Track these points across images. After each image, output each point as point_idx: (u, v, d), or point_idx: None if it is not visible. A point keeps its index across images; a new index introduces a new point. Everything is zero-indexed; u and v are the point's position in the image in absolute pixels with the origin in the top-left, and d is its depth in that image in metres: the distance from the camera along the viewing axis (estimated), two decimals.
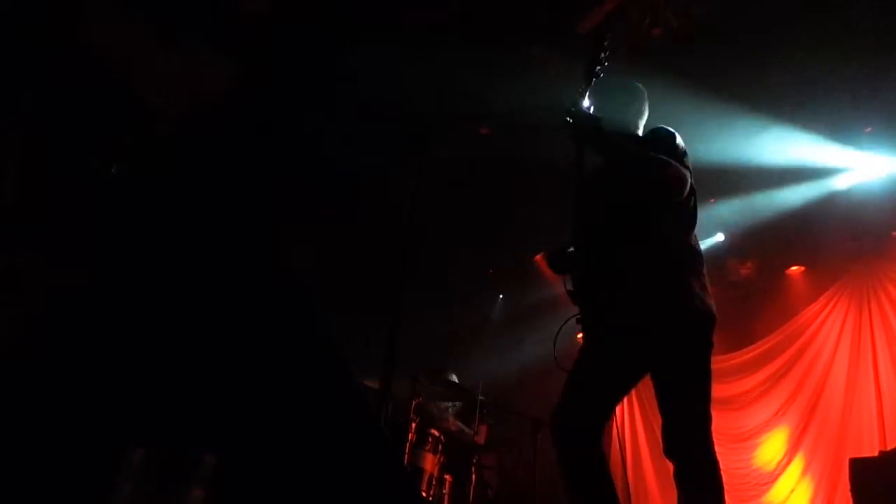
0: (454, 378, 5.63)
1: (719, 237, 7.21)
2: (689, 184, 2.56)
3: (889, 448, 5.23)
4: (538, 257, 8.07)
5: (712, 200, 6.54)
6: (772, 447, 7.15)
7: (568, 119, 2.56)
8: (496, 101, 5.50)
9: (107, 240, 1.91)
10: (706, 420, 2.37)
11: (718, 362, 7.24)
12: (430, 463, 4.78)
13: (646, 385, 2.55)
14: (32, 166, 2.10)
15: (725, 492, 2.30)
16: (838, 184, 6.35)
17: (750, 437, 7.34)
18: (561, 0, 4.80)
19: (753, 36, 4.90)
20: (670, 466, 2.36)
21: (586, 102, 2.64)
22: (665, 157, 2.52)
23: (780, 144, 5.89)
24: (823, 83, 5.23)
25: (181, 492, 1.59)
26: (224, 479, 1.62)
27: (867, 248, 6.87)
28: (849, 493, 4.66)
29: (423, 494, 4.69)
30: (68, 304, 1.74)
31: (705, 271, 2.59)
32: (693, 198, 2.65)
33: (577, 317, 2.61)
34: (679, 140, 2.67)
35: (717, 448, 2.35)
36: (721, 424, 7.35)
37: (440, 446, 4.90)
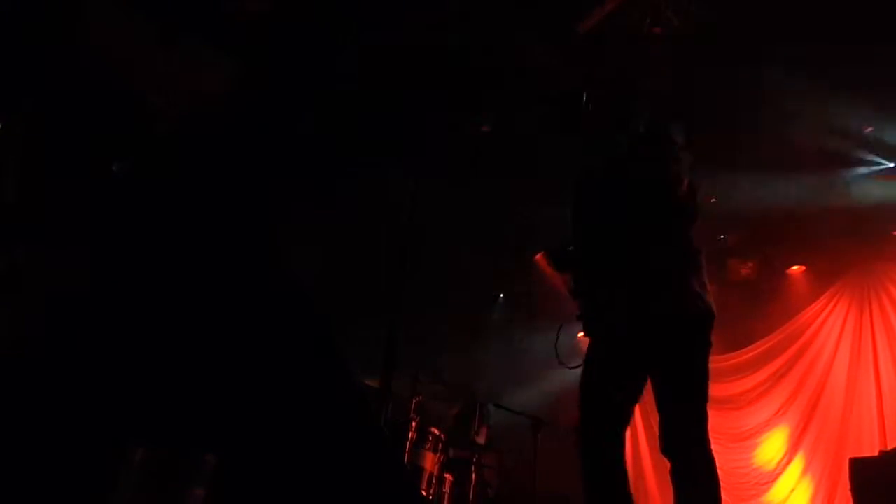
0: (454, 377, 5.63)
1: (720, 236, 7.21)
2: (687, 182, 2.56)
3: (889, 448, 5.24)
4: (538, 256, 8.07)
5: (713, 200, 6.54)
6: (772, 447, 7.15)
7: (569, 118, 2.56)
8: (496, 100, 5.51)
9: (107, 240, 1.91)
10: (703, 419, 2.37)
11: (719, 362, 7.24)
12: (430, 462, 4.78)
13: (646, 382, 2.55)
14: (32, 166, 2.10)
15: (726, 491, 2.31)
16: (839, 183, 6.35)
17: (750, 437, 7.34)
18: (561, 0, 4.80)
19: (753, 34, 4.90)
20: (668, 464, 2.37)
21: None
22: (664, 155, 2.53)
23: (781, 143, 5.89)
24: (824, 82, 5.22)
25: (182, 491, 1.59)
26: (224, 478, 1.62)
27: (868, 248, 6.87)
28: (849, 493, 4.67)
29: (423, 493, 4.69)
30: (68, 304, 1.74)
31: (704, 270, 2.59)
32: (693, 196, 2.65)
33: (578, 315, 2.62)
34: (678, 137, 2.67)
35: (716, 447, 2.35)
36: (721, 424, 7.37)
37: (440, 445, 4.90)
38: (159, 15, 3.39)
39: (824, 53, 4.89)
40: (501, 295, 8.93)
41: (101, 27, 2.90)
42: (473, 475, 5.26)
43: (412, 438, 4.75)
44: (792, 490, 6.80)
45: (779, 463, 7.02)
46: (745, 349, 7.63)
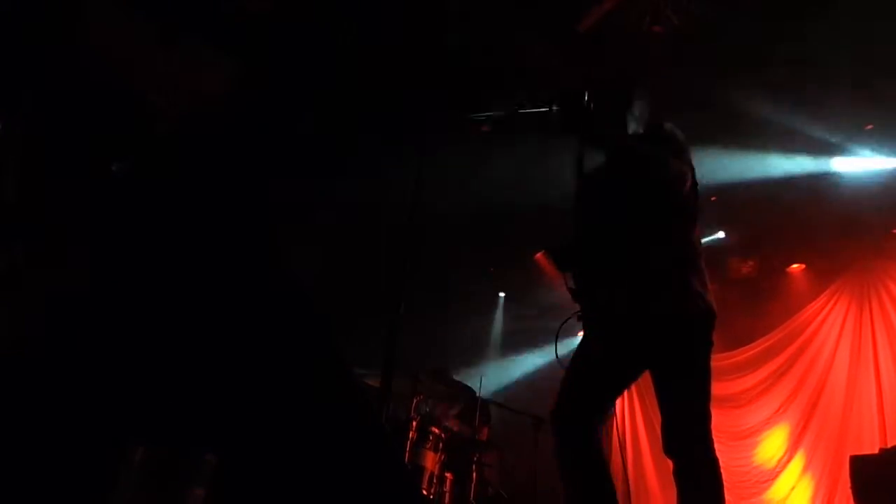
0: (455, 376, 5.64)
1: (720, 235, 7.22)
2: (689, 180, 2.56)
3: (889, 445, 5.24)
4: (539, 255, 8.07)
5: (714, 199, 6.54)
6: (772, 445, 7.16)
7: (569, 116, 2.56)
8: (497, 99, 5.50)
9: (107, 239, 1.91)
10: (706, 418, 2.37)
11: (719, 360, 7.25)
12: (430, 461, 4.79)
13: (647, 382, 2.55)
14: (32, 166, 2.11)
15: (726, 489, 2.30)
16: (838, 181, 6.35)
17: (751, 435, 7.35)
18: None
19: (753, 32, 4.90)
20: (671, 464, 2.36)
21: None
22: (665, 154, 2.53)
23: (781, 141, 5.89)
24: (823, 80, 5.22)
25: (182, 491, 1.59)
26: (224, 478, 1.63)
27: (867, 246, 6.88)
28: (849, 491, 4.68)
29: (424, 492, 4.69)
30: (68, 304, 1.74)
31: (705, 268, 2.59)
32: (694, 194, 2.64)
33: (579, 314, 2.62)
34: (679, 135, 2.67)
35: (717, 446, 2.35)
36: (722, 422, 7.38)
37: (441, 444, 4.91)
38: (159, 15, 3.39)
39: (824, 50, 4.90)
40: (502, 294, 8.94)
41: (102, 27, 2.90)
42: (474, 474, 5.27)
43: (413, 438, 4.76)
44: (792, 488, 6.81)
45: (779, 461, 7.03)
46: (746, 347, 7.64)
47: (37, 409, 1.60)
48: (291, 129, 5.10)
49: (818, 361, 7.04)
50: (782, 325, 7.47)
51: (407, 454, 4.67)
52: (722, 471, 2.32)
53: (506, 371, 8.03)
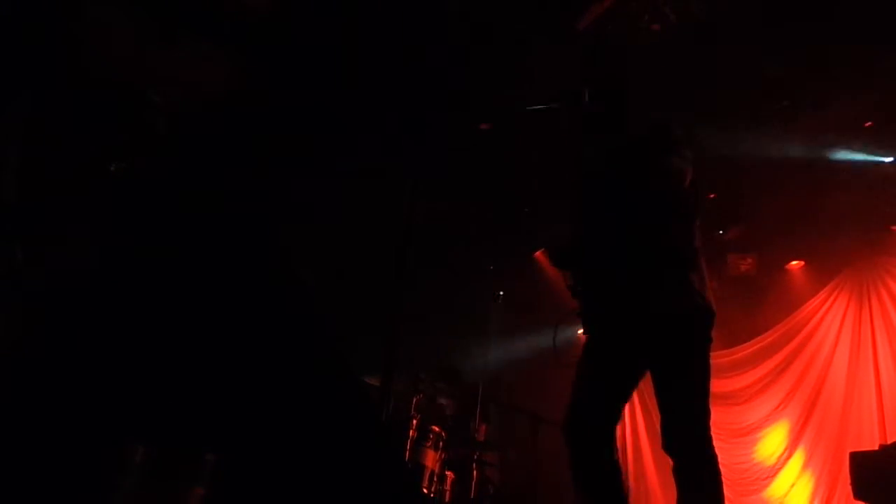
0: (455, 375, 5.64)
1: (719, 232, 7.22)
2: (689, 178, 2.56)
3: (889, 442, 5.24)
4: (539, 253, 8.08)
5: (713, 196, 6.54)
6: (772, 441, 7.16)
7: (568, 116, 2.57)
8: (496, 98, 5.50)
9: (107, 239, 1.91)
10: (705, 416, 2.37)
11: (719, 357, 7.26)
12: (431, 459, 4.79)
13: (646, 381, 2.55)
14: (32, 165, 2.11)
15: (726, 487, 2.31)
16: (838, 179, 6.35)
17: (751, 432, 7.35)
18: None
19: (751, 31, 4.90)
20: (671, 462, 2.37)
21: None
22: (666, 150, 2.53)
23: (780, 139, 5.89)
24: (822, 79, 5.22)
25: (182, 490, 1.59)
26: (224, 478, 1.63)
27: (867, 242, 6.88)
28: (849, 487, 4.68)
29: (425, 491, 4.70)
30: (68, 304, 1.74)
31: (705, 267, 2.59)
32: (694, 192, 2.65)
33: (578, 313, 2.63)
34: (679, 133, 2.67)
35: (717, 443, 2.35)
36: (722, 419, 7.38)
37: (441, 443, 4.91)
38: (160, 13, 3.38)
39: (823, 48, 4.90)
40: (501, 293, 8.93)
41: (102, 26, 2.89)
42: (475, 472, 5.27)
43: (413, 436, 4.76)
44: (792, 485, 6.82)
45: (779, 458, 7.03)
46: (745, 345, 7.64)
47: (37, 409, 1.60)
48: (292, 127, 5.10)
49: (818, 358, 7.05)
50: (782, 322, 7.48)
51: (407, 453, 4.67)
52: (722, 468, 2.32)
53: (506, 369, 8.02)
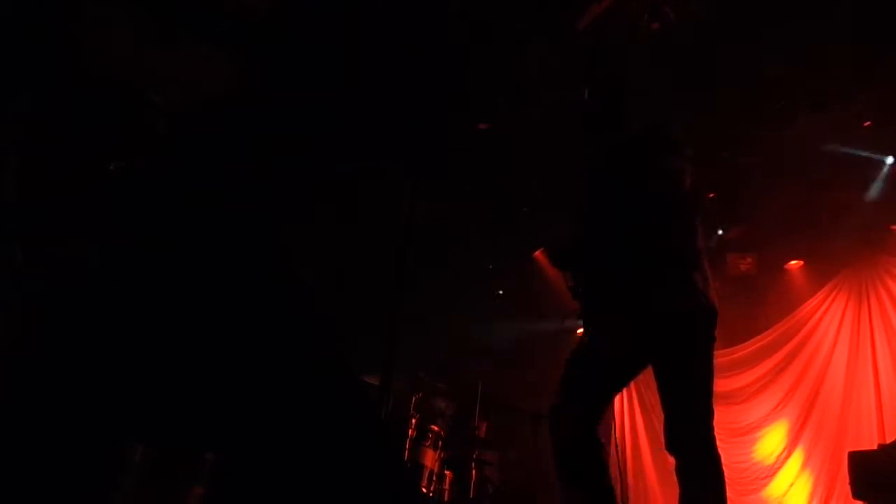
0: (454, 374, 5.64)
1: (719, 232, 7.23)
2: (689, 178, 2.57)
3: (888, 441, 5.24)
4: (538, 253, 8.08)
5: (712, 196, 6.55)
6: (771, 441, 7.17)
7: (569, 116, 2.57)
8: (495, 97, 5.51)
9: (107, 239, 1.91)
10: (709, 415, 2.37)
11: (718, 357, 7.18)
12: (430, 459, 4.79)
13: (646, 380, 2.56)
14: (32, 165, 2.11)
15: (726, 486, 2.31)
16: (837, 178, 6.35)
17: (750, 431, 7.36)
18: None
19: (751, 29, 4.90)
20: (671, 462, 2.37)
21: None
22: (666, 149, 2.53)
23: (779, 139, 5.89)
24: (821, 78, 5.23)
25: (181, 490, 1.60)
26: (224, 477, 1.63)
27: (866, 242, 6.88)
28: (848, 487, 4.68)
29: (424, 490, 4.70)
30: (68, 304, 1.74)
31: (707, 266, 2.59)
32: (694, 192, 2.65)
33: (578, 314, 2.63)
34: (678, 134, 2.67)
35: (717, 442, 2.35)
36: (721, 419, 7.31)
37: (440, 442, 4.91)
38: (160, 13, 3.38)
39: (822, 48, 4.90)
40: (500, 292, 8.94)
41: (102, 26, 2.90)
42: (474, 472, 5.27)
43: (412, 435, 4.76)
44: (791, 484, 6.82)
45: (778, 457, 7.04)
46: (744, 344, 7.65)
47: (36, 409, 1.60)
48: (291, 127, 5.10)
49: (817, 358, 7.06)
50: (781, 322, 7.48)
51: (406, 452, 4.67)
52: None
53: (505, 368, 8.02)
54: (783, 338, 7.41)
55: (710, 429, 2.36)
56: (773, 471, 7.03)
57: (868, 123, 5.73)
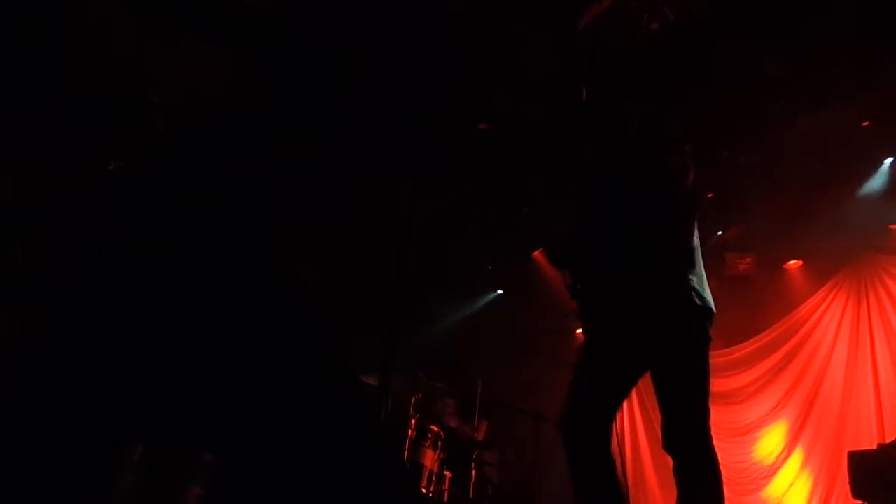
0: (454, 374, 5.64)
1: (718, 232, 7.23)
2: (690, 176, 2.57)
3: (887, 441, 5.25)
4: (538, 253, 8.08)
5: (712, 196, 6.55)
6: (771, 441, 7.17)
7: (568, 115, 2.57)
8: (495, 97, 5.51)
9: (106, 239, 1.91)
10: (705, 415, 2.37)
11: (717, 357, 7.26)
12: (429, 459, 4.79)
13: (645, 380, 2.56)
14: (32, 165, 2.11)
15: (725, 486, 2.31)
16: (836, 178, 6.36)
17: (749, 431, 7.36)
18: None
19: (750, 29, 4.90)
20: (670, 462, 2.37)
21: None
22: (667, 148, 2.54)
23: (779, 138, 5.90)
24: (821, 78, 5.23)
25: (180, 489, 1.60)
26: (223, 477, 1.63)
27: (865, 242, 6.88)
28: (847, 486, 4.68)
29: (423, 491, 4.70)
30: (68, 304, 1.74)
31: (704, 266, 2.59)
32: (693, 191, 2.65)
33: (577, 313, 2.63)
34: (678, 134, 2.68)
35: (716, 442, 2.35)
36: (720, 419, 7.38)
37: (440, 442, 4.91)
38: (160, 13, 3.38)
39: (820, 47, 4.91)
40: (500, 291, 8.94)
41: (102, 26, 2.90)
42: (473, 472, 5.27)
43: (412, 436, 4.76)
44: (791, 484, 6.82)
45: (778, 457, 7.04)
46: (743, 344, 7.64)
47: (36, 409, 1.60)
48: (291, 126, 5.10)
49: (816, 357, 7.06)
50: (780, 322, 7.48)
51: (406, 452, 4.67)
52: (721, 467, 2.33)
53: (505, 368, 8.02)
54: (782, 337, 7.41)
55: (707, 428, 2.36)
56: (772, 471, 7.03)
57: (867, 123, 5.74)
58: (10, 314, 1.76)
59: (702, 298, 2.47)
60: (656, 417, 2.46)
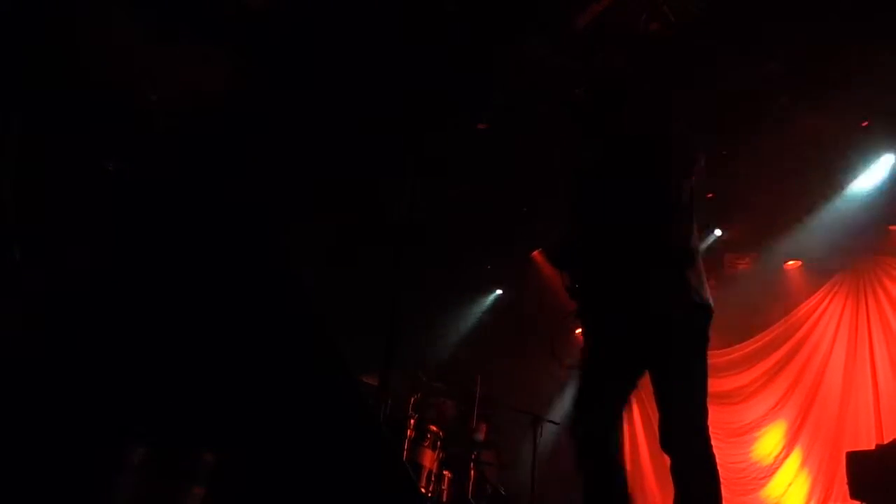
0: (453, 374, 5.64)
1: (717, 231, 7.22)
2: (701, 167, 2.58)
3: (886, 441, 5.25)
4: (537, 253, 8.08)
5: (710, 196, 6.55)
6: (770, 441, 7.18)
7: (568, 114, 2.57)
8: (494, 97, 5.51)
9: (106, 239, 1.91)
10: (703, 414, 2.38)
11: (716, 357, 7.26)
12: (428, 459, 4.79)
13: (645, 380, 2.56)
14: (31, 165, 2.11)
15: (724, 486, 2.31)
16: (835, 177, 6.36)
17: (748, 431, 7.37)
18: None
19: (749, 29, 4.90)
20: (668, 461, 2.37)
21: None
22: (665, 150, 2.54)
23: (779, 139, 5.90)
24: (819, 78, 5.23)
25: (181, 490, 1.60)
26: (223, 477, 1.63)
27: (864, 242, 6.89)
28: (846, 487, 4.69)
29: (422, 490, 4.70)
30: (68, 304, 1.74)
31: (702, 266, 2.59)
32: (692, 191, 2.65)
33: (576, 314, 2.63)
34: (679, 132, 2.68)
35: (715, 442, 2.35)
36: (719, 418, 7.39)
37: (439, 442, 4.91)
38: (160, 13, 3.38)
39: (820, 47, 4.91)
40: (499, 291, 8.94)
41: (101, 26, 2.89)
42: (472, 472, 5.28)
43: (411, 436, 4.76)
44: (790, 484, 6.83)
45: (776, 457, 7.05)
46: (742, 344, 7.65)
47: (36, 409, 1.60)
48: (291, 127, 5.10)
49: (815, 358, 7.06)
50: (779, 322, 7.49)
51: (405, 452, 4.67)
52: (719, 467, 2.33)
53: (504, 368, 8.03)
54: (781, 338, 7.42)
55: (705, 428, 2.36)
56: (771, 471, 7.03)
57: (866, 123, 5.74)
58: (11, 314, 1.75)
59: (701, 298, 2.47)
60: (655, 417, 2.46)
